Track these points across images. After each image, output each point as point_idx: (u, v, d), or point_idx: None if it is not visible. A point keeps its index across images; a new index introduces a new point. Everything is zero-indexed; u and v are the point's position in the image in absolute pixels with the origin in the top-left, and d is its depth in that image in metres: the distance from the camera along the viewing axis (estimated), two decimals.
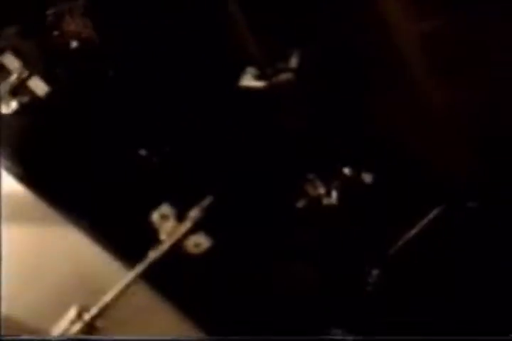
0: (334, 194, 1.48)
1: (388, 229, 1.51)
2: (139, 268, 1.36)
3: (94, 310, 1.36)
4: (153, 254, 1.35)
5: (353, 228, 1.49)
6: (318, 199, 1.49)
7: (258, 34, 1.38)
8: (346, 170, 1.48)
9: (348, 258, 1.48)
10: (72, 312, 1.38)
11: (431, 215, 1.49)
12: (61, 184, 1.39)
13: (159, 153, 1.41)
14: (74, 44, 1.50)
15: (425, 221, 1.49)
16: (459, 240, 1.48)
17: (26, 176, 1.37)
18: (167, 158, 1.39)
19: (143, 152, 1.43)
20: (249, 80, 1.41)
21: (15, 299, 1.42)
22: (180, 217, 1.36)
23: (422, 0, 1.44)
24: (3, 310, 1.41)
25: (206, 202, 1.35)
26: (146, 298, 1.39)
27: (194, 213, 1.36)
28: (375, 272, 1.52)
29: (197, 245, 1.37)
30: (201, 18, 1.42)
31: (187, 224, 1.36)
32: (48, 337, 1.42)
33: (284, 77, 1.41)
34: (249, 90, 1.41)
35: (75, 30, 1.53)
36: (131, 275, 1.37)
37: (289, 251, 1.45)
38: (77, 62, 1.49)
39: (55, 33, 1.52)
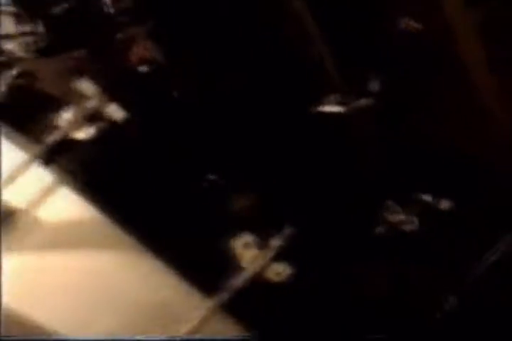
0: (413, 220, 1.46)
1: (467, 254, 1.49)
2: (220, 296, 1.33)
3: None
4: (234, 283, 1.33)
5: (432, 254, 1.47)
6: (397, 225, 1.47)
7: (339, 60, 1.37)
8: (425, 197, 1.47)
9: (426, 284, 1.46)
10: None
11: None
12: (136, 210, 1.36)
13: (236, 180, 1.39)
14: (142, 68, 1.48)
15: (504, 247, 1.47)
16: None
17: (102, 202, 1.35)
18: (248, 186, 1.37)
19: (213, 177, 1.41)
20: (329, 106, 1.39)
21: (87, 326, 1.39)
22: (262, 246, 1.34)
23: None
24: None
25: (288, 230, 1.33)
26: (226, 326, 1.35)
27: (276, 241, 1.33)
28: (451, 299, 1.49)
29: (278, 273, 1.34)
30: (281, 43, 1.41)
31: (269, 253, 1.34)
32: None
33: (364, 102, 1.39)
34: (329, 116, 1.39)
35: (143, 54, 1.52)
36: (211, 303, 1.34)
37: (368, 277, 1.42)
38: (146, 86, 1.47)
39: (126, 56, 1.51)
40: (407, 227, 1.50)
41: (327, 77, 1.40)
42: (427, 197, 1.50)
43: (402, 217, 1.49)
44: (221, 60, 1.47)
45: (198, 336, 1.36)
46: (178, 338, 1.37)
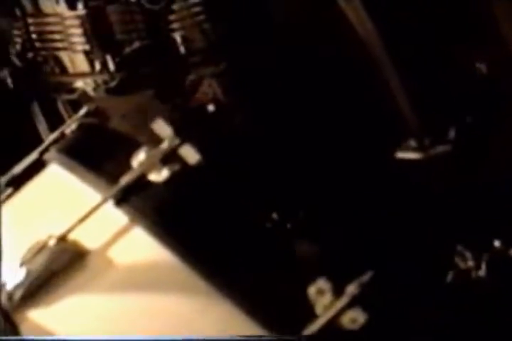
0: (484, 267, 1.45)
1: None
2: None
3: None
4: (308, 329, 1.31)
5: (500, 302, 1.46)
6: (468, 272, 1.46)
7: (416, 106, 1.37)
8: (496, 243, 1.46)
9: (498, 333, 1.45)
10: None
11: None
12: (209, 253, 1.35)
13: (312, 224, 1.38)
14: (211, 108, 1.48)
15: None
16: None
17: (176, 245, 1.33)
18: (324, 230, 1.36)
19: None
20: (406, 152, 1.39)
21: None
22: (338, 292, 1.33)
23: None
24: None
25: (365, 277, 1.31)
26: None
27: (352, 288, 1.32)
28: None
29: (353, 321, 1.33)
30: (358, 88, 1.41)
31: (344, 300, 1.32)
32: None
33: (442, 148, 1.39)
34: (405, 162, 1.39)
35: (211, 94, 1.52)
36: None
37: (441, 325, 1.41)
38: (216, 126, 1.47)
39: (196, 97, 1.51)
40: (476, 274, 1.49)
41: (404, 123, 1.40)
42: (497, 244, 1.49)
43: (471, 263, 1.49)
44: (295, 102, 1.46)
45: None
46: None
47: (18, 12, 1.56)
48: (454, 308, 1.39)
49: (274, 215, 1.37)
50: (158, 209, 1.36)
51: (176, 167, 1.37)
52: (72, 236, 1.36)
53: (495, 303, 1.43)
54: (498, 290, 1.44)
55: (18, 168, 1.45)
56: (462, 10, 1.45)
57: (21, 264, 1.34)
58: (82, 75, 1.54)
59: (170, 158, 1.36)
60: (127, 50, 1.51)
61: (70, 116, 1.53)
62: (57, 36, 1.55)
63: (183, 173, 1.37)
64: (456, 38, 1.45)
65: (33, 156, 1.46)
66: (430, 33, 1.43)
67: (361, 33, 1.38)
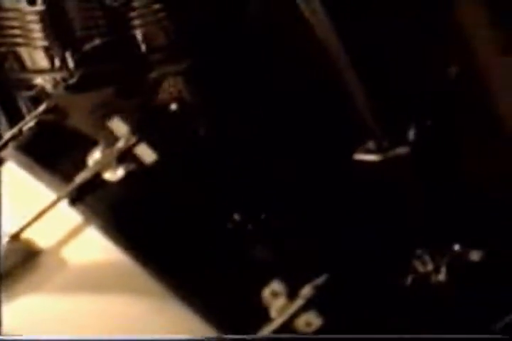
0: (443, 271, 1.44)
1: (495, 307, 1.46)
2: None
3: None
4: (263, 332, 1.30)
5: (462, 305, 1.45)
6: (427, 276, 1.44)
7: (376, 108, 1.36)
8: (456, 247, 1.44)
9: (457, 337, 1.44)
10: None
11: None
12: (165, 254, 1.33)
13: (264, 225, 1.36)
14: (173, 107, 1.46)
15: None
16: None
17: (129, 246, 1.32)
18: (277, 232, 1.35)
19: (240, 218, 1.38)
20: (364, 154, 1.38)
21: None
22: (292, 295, 1.31)
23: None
24: None
25: (320, 280, 1.30)
26: None
27: (306, 291, 1.30)
28: None
29: (308, 324, 1.31)
30: (318, 88, 1.39)
31: (298, 302, 1.31)
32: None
33: (400, 150, 1.38)
34: (363, 164, 1.38)
35: (175, 93, 1.50)
36: None
37: (400, 329, 1.39)
38: (177, 126, 1.45)
39: (156, 95, 1.49)
40: (435, 277, 1.48)
41: (363, 124, 1.38)
42: (457, 247, 1.48)
43: (430, 266, 1.47)
44: (257, 102, 1.45)
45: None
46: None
47: None
48: (412, 312, 1.38)
49: (236, 216, 1.35)
50: (112, 209, 1.35)
51: (132, 166, 1.36)
52: (26, 235, 1.35)
53: (454, 307, 1.42)
54: (458, 294, 1.43)
55: None
56: (428, 13, 1.44)
57: None
58: (41, 72, 1.53)
59: (126, 156, 1.35)
60: (87, 46, 1.50)
61: (30, 113, 1.51)
62: (16, 32, 1.53)
63: (138, 172, 1.36)
64: (420, 40, 1.44)
65: None
66: (392, 35, 1.41)
67: (320, 33, 1.36)
